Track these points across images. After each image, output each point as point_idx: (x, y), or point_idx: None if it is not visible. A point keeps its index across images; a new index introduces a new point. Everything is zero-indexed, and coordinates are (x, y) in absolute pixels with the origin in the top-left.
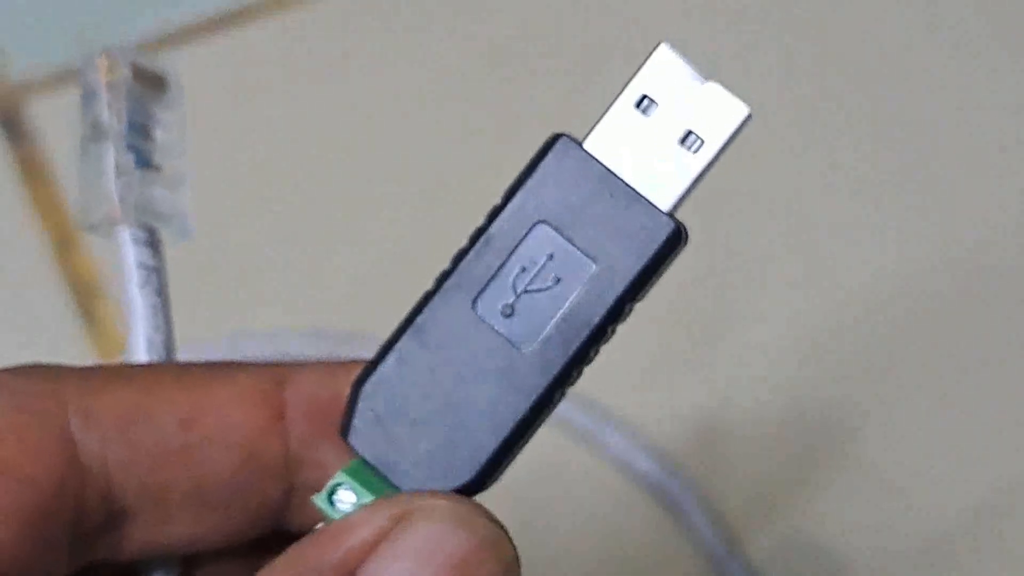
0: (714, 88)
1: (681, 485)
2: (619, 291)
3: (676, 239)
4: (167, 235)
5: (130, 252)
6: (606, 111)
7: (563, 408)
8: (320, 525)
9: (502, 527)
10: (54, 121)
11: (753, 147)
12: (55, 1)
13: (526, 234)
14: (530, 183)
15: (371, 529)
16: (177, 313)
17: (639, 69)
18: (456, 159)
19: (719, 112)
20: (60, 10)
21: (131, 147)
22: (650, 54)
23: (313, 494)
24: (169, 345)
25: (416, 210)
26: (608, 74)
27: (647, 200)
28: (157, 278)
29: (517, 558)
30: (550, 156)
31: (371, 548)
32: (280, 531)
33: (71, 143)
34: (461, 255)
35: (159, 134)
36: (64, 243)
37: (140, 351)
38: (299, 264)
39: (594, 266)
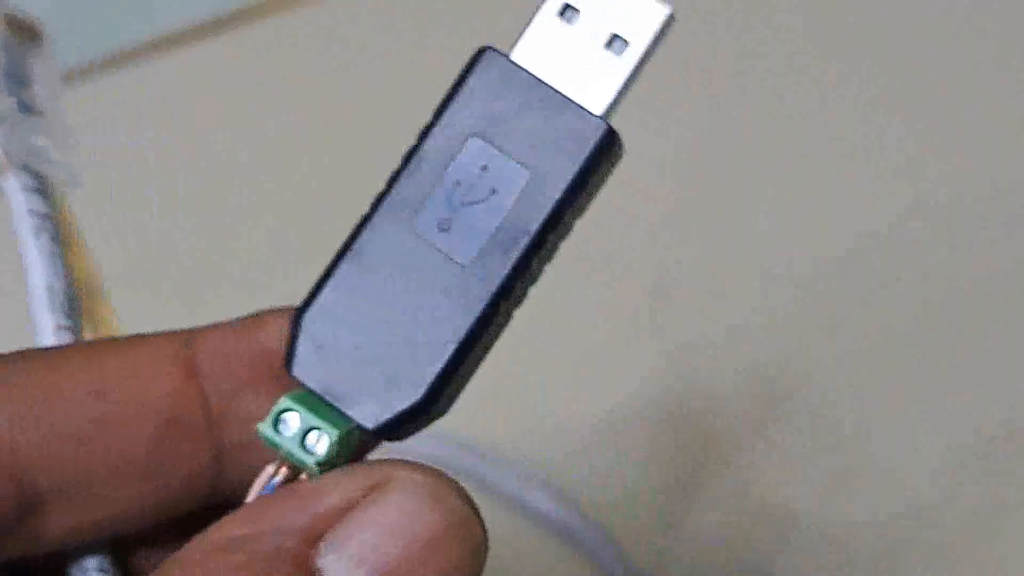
0: None
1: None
2: (555, 197)
3: (610, 141)
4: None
5: (20, 200)
6: (529, 22)
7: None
8: (269, 468)
9: (475, 508)
10: None
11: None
12: (55, 3)
13: (458, 148)
14: (459, 98)
15: (342, 495)
16: (177, 313)
17: None
18: None
19: (642, 14)
20: (60, 12)
21: (11, 94)
22: None
23: (239, 450)
24: (70, 294)
25: None
26: None
27: (578, 105)
28: (52, 225)
29: (486, 542)
30: (476, 69)
31: (340, 515)
32: (216, 503)
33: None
34: (395, 176)
35: (36, 84)
36: (64, 243)
37: (41, 301)
38: (299, 264)
39: (529, 174)
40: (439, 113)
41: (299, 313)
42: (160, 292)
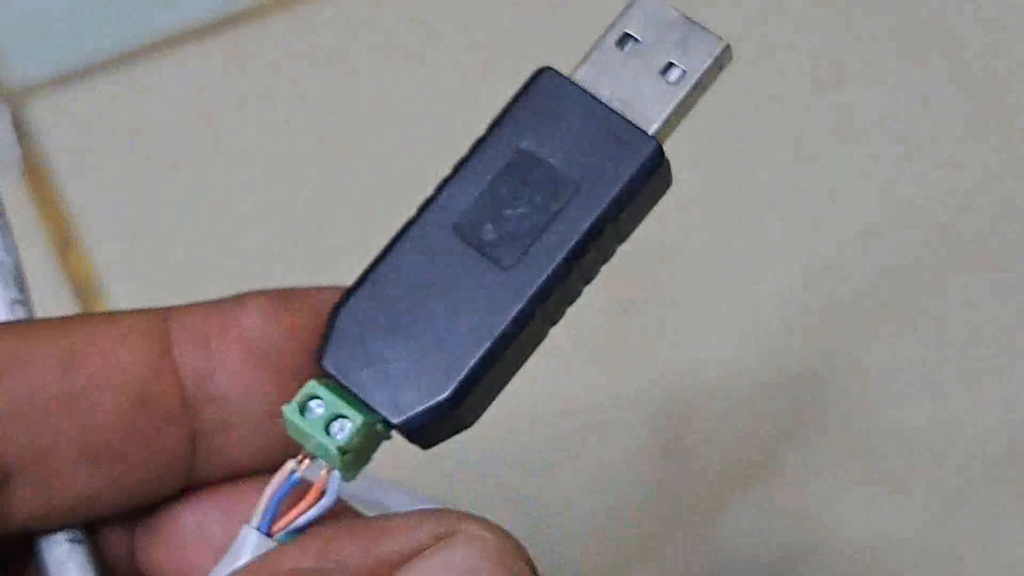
0: (692, 24)
1: None
2: (599, 208)
3: (658, 160)
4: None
5: None
6: (590, 50)
7: None
8: (289, 463)
9: (536, 571)
10: (55, 122)
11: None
12: (56, 2)
13: (508, 158)
14: (514, 112)
15: (409, 540)
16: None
17: (623, 11)
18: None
19: (698, 45)
20: (61, 12)
21: None
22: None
23: (215, 433)
24: (20, 269)
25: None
26: None
27: (629, 122)
28: None
29: None
30: (534, 87)
31: (405, 559)
32: (190, 486)
33: (72, 144)
34: (443, 183)
35: None
36: (65, 243)
37: None
38: (299, 264)
39: (576, 187)
40: (493, 126)
41: (336, 307)
42: (160, 292)
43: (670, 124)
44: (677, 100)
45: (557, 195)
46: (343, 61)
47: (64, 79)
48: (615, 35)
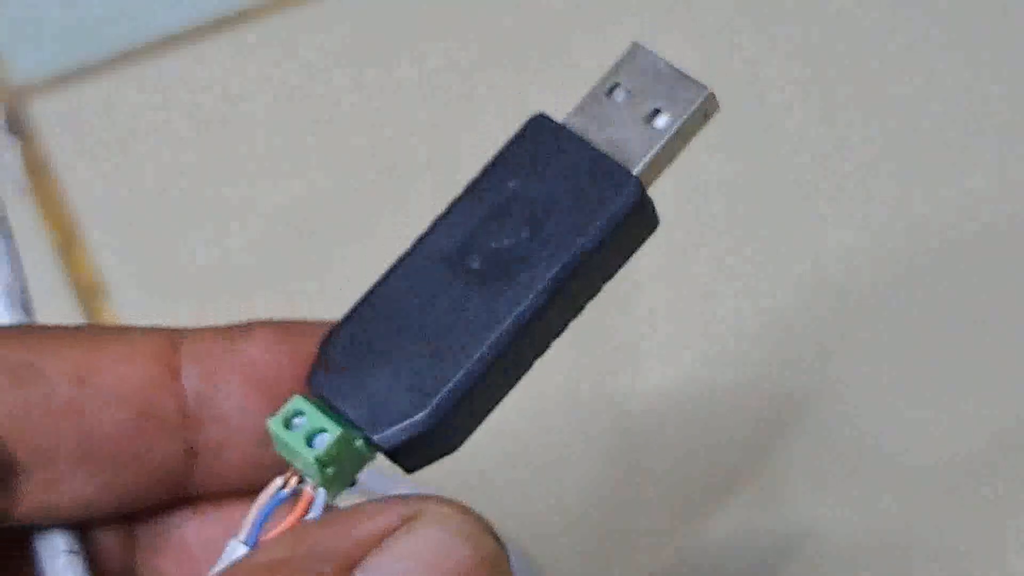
0: (680, 74)
1: None
2: (581, 242)
3: (641, 199)
4: None
5: None
6: (582, 99)
7: None
8: (277, 480)
9: (503, 545)
10: (57, 122)
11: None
12: (57, 2)
13: (499, 197)
14: (506, 154)
15: (379, 524)
16: (177, 313)
17: (616, 62)
18: (453, 161)
19: (683, 93)
20: (62, 12)
21: None
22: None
23: (215, 452)
24: (27, 294)
25: (414, 216)
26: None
27: (616, 162)
28: (7, 228)
29: None
30: (527, 131)
31: (376, 542)
32: (185, 500)
33: (74, 144)
34: (436, 221)
35: None
36: (67, 243)
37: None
38: (299, 264)
39: (562, 222)
40: (486, 167)
41: (328, 333)
42: (162, 292)
43: (654, 167)
44: (661, 143)
45: (543, 229)
46: (344, 60)
47: (64, 79)
48: (606, 85)
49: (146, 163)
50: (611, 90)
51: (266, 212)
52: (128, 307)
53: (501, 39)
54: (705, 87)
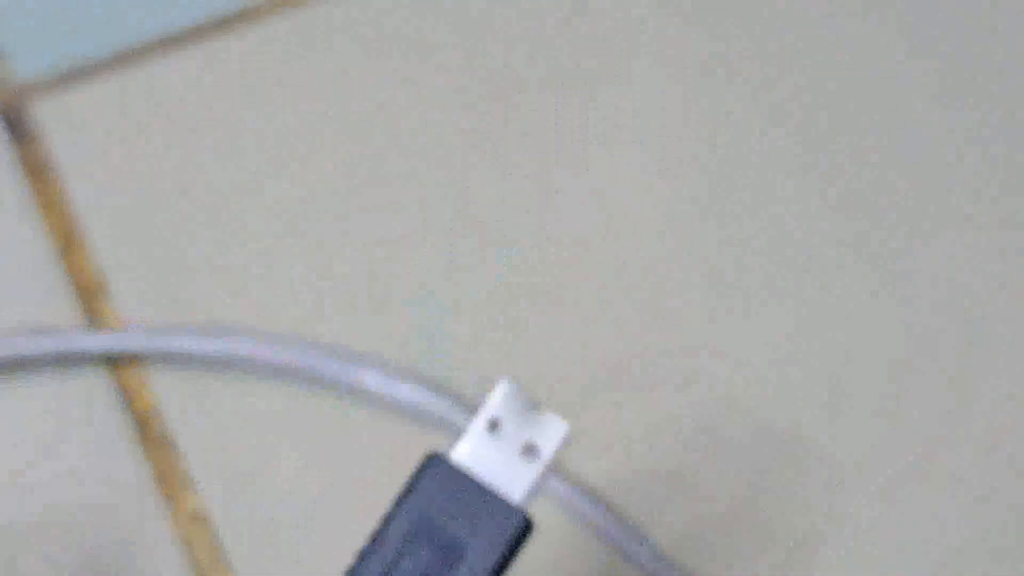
0: (543, 414)
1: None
2: (483, 569)
3: (526, 528)
4: None
5: None
6: (465, 433)
7: None
8: None
9: None
10: (58, 121)
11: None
12: (57, 2)
13: (406, 539)
14: (409, 496)
15: None
16: (178, 312)
17: (487, 399)
18: (451, 164)
19: (548, 430)
20: (62, 11)
21: None
22: (495, 388)
23: None
24: None
25: (410, 216)
26: (602, 100)
27: (501, 498)
28: None
29: None
30: (424, 472)
31: None
32: None
33: (74, 144)
34: (358, 555)
35: None
36: (68, 244)
37: None
38: (299, 264)
39: (463, 555)
40: (390, 511)
41: None
42: (160, 292)
43: (532, 493)
44: (534, 478)
45: (449, 565)
46: (344, 61)
47: (65, 79)
48: (484, 420)
49: (147, 163)
50: (491, 425)
51: (267, 211)
52: (128, 307)
53: (502, 41)
54: (564, 425)
